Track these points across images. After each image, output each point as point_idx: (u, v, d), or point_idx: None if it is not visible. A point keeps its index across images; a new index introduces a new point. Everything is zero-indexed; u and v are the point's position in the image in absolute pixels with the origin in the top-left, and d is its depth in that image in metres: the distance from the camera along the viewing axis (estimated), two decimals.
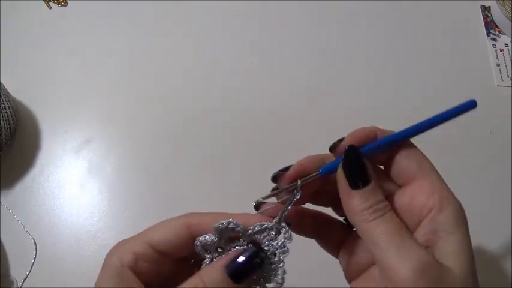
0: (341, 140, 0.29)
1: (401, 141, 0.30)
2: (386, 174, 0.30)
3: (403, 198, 0.28)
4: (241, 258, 0.26)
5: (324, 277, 0.45)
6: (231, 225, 0.26)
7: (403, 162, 0.29)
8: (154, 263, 0.27)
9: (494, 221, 0.55)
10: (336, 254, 0.32)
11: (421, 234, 0.26)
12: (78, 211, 0.51)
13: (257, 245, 0.27)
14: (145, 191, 0.53)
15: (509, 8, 0.66)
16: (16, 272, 0.48)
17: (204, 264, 0.27)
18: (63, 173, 0.53)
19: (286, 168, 0.28)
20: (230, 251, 0.27)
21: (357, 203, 0.26)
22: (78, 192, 0.52)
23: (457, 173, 0.58)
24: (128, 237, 0.29)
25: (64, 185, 0.53)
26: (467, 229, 0.28)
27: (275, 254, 0.27)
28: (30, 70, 0.58)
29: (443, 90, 0.63)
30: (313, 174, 0.28)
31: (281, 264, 0.27)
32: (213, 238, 0.27)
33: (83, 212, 0.51)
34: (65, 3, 0.63)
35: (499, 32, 0.69)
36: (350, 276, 0.30)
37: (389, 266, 0.24)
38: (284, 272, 0.27)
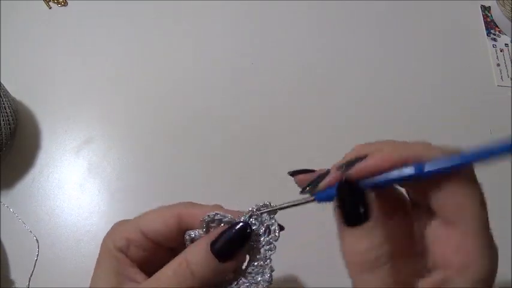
0: (325, 173, 0.25)
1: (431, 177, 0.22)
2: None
3: (431, 229, 0.24)
4: (225, 235, 0.25)
5: (324, 275, 0.45)
6: (217, 217, 0.26)
7: (440, 196, 0.23)
8: (147, 250, 0.27)
9: (494, 221, 0.55)
10: None
11: (428, 282, 0.23)
12: (78, 211, 0.51)
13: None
14: (145, 191, 0.53)
15: (509, 8, 0.66)
16: (16, 271, 0.48)
17: None
18: (63, 173, 0.53)
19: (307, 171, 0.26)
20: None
21: (347, 243, 0.22)
22: (78, 192, 0.52)
23: None
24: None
25: (64, 185, 0.53)
26: None
27: (260, 252, 0.27)
28: (30, 70, 0.58)
29: (443, 90, 0.63)
30: (307, 198, 0.25)
31: (267, 261, 0.27)
32: (201, 233, 0.27)
33: (83, 212, 0.51)
34: (65, 3, 0.63)
35: (499, 32, 0.69)
36: None
37: None
38: (271, 270, 0.27)
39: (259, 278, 0.27)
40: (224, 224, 0.27)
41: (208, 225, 0.27)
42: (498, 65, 0.66)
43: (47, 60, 0.59)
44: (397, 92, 0.63)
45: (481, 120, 0.62)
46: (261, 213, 0.27)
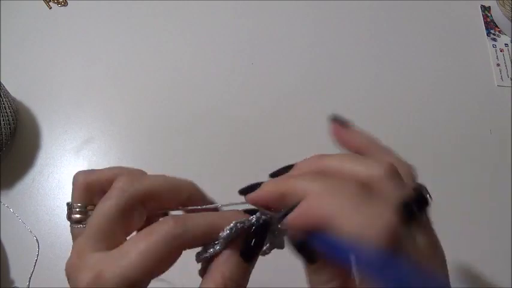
0: (257, 185, 0.27)
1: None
2: None
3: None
4: (252, 238, 0.25)
5: None
6: (239, 225, 0.25)
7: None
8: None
9: (494, 221, 0.55)
10: None
11: None
12: None
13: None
14: None
15: (509, 8, 0.66)
16: (16, 271, 0.48)
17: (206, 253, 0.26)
18: (63, 173, 0.53)
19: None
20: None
21: (307, 273, 0.26)
22: None
23: (457, 173, 0.58)
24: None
25: (64, 185, 0.53)
26: None
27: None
28: (30, 70, 0.58)
29: (443, 90, 0.63)
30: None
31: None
32: (216, 249, 0.25)
33: (66, 204, 0.51)
34: (65, 3, 0.63)
35: (499, 32, 0.69)
36: None
37: None
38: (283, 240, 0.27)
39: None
40: (246, 228, 0.26)
41: (228, 239, 0.26)
42: (498, 65, 0.66)
43: (47, 60, 0.59)
44: (397, 92, 0.63)
45: (481, 120, 0.62)
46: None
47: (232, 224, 0.25)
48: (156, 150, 0.56)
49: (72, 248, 0.25)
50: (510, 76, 0.65)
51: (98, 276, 0.23)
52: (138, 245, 0.23)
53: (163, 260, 0.23)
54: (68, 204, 0.28)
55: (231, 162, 0.56)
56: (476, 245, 0.54)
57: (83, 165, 0.54)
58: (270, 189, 0.27)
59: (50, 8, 0.62)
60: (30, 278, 0.47)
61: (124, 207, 0.25)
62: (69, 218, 0.28)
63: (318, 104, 0.61)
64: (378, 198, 0.23)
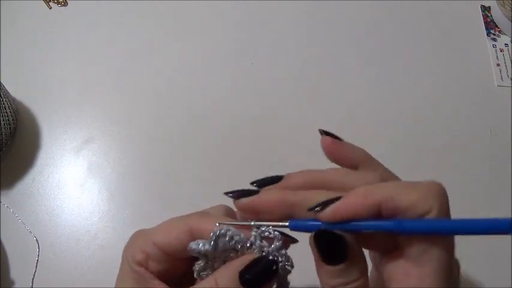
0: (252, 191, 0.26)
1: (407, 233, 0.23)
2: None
3: (392, 266, 0.24)
4: (257, 267, 0.25)
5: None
6: (229, 233, 0.25)
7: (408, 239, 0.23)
8: (163, 263, 0.27)
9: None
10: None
11: None
12: (78, 211, 0.51)
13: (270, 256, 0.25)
14: (145, 191, 0.53)
15: (509, 8, 0.66)
16: (16, 271, 0.48)
17: (197, 266, 0.27)
18: (63, 173, 0.53)
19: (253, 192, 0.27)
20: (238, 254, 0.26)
21: (324, 277, 0.24)
22: (78, 192, 0.52)
23: (457, 173, 0.58)
24: (128, 236, 0.29)
25: (64, 185, 0.53)
26: None
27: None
28: (30, 70, 0.58)
29: (443, 90, 0.63)
30: (283, 224, 0.25)
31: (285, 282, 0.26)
32: (207, 247, 0.26)
33: (83, 212, 0.51)
34: (65, 3, 0.63)
35: (499, 32, 0.69)
36: None
37: None
38: (288, 283, 0.26)
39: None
40: (236, 244, 0.26)
41: (217, 240, 0.25)
42: (498, 65, 0.66)
43: (47, 60, 0.59)
44: (396, 92, 0.63)
45: (481, 120, 0.62)
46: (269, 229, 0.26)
47: (224, 229, 0.25)
48: (156, 150, 0.56)
49: None
50: (510, 76, 0.65)
51: None
52: None
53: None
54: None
55: (231, 162, 0.56)
56: (476, 245, 0.54)
57: (83, 165, 0.54)
58: (272, 198, 0.26)
59: (50, 8, 0.62)
60: (33, 279, 0.47)
61: (135, 278, 0.27)
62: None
63: (319, 104, 0.61)
64: None
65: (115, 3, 0.64)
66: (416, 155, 0.57)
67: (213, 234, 0.25)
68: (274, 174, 0.28)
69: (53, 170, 0.53)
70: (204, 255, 0.26)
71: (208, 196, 0.53)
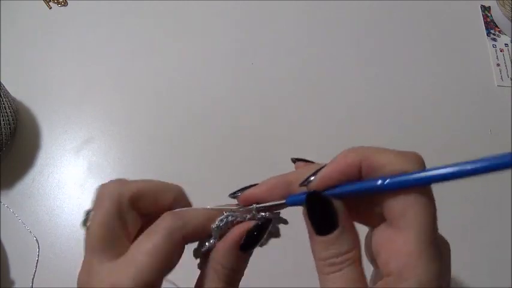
0: (253, 186, 0.27)
1: (388, 190, 0.23)
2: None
3: (377, 238, 0.24)
4: (253, 232, 0.26)
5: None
6: (230, 218, 0.26)
7: (390, 203, 0.23)
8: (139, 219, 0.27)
9: (494, 221, 0.55)
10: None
11: None
12: (78, 211, 0.51)
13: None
14: None
15: (509, 8, 0.66)
16: (16, 271, 0.48)
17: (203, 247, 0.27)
18: (63, 173, 0.53)
19: (250, 187, 0.27)
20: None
21: (317, 250, 0.24)
22: (78, 192, 0.52)
23: None
24: None
25: (64, 185, 0.53)
26: None
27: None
28: (30, 70, 0.58)
29: (443, 90, 0.63)
30: (280, 202, 0.26)
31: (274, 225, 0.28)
32: (212, 242, 0.26)
33: (83, 212, 0.51)
34: (65, 3, 0.63)
35: (499, 32, 0.69)
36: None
37: None
38: (278, 228, 0.28)
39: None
40: (235, 222, 0.27)
41: (221, 230, 0.26)
42: (498, 65, 0.66)
43: (47, 60, 0.59)
44: (396, 92, 0.63)
45: (481, 120, 0.62)
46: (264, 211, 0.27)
47: (223, 215, 0.26)
48: (156, 150, 0.56)
49: (81, 265, 0.25)
50: (510, 76, 0.65)
51: None
52: (143, 247, 0.23)
53: (169, 255, 0.24)
54: (86, 211, 0.28)
55: (231, 162, 0.56)
56: (476, 245, 0.54)
57: (83, 165, 0.54)
58: (269, 182, 0.26)
59: (50, 8, 0.62)
60: (33, 279, 0.47)
61: (116, 212, 0.25)
62: (84, 224, 0.28)
63: (318, 104, 0.61)
64: None
65: (115, 3, 0.64)
66: None
67: (215, 228, 0.26)
68: (272, 175, 0.28)
69: (53, 170, 0.53)
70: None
71: (208, 196, 0.53)
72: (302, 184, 0.25)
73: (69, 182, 0.53)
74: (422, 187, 0.23)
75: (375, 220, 0.25)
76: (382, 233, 0.24)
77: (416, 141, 0.59)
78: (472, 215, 0.55)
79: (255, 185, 0.27)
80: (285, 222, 0.28)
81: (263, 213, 0.27)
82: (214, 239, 0.26)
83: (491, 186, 0.58)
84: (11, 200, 0.51)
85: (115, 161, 0.54)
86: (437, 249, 0.22)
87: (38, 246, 0.49)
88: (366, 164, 0.23)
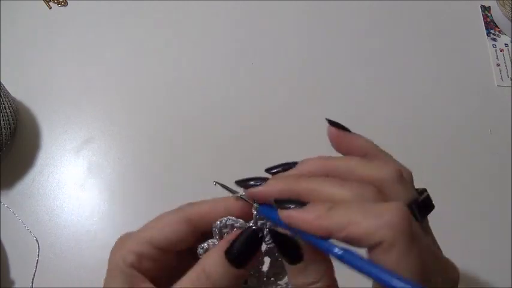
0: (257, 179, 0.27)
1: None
2: None
3: None
4: (238, 242, 0.25)
5: None
6: (229, 222, 0.26)
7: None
8: (158, 260, 0.27)
9: (494, 221, 0.55)
10: None
11: None
12: (78, 211, 0.51)
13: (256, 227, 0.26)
14: (145, 190, 0.53)
15: (509, 8, 0.66)
16: (16, 271, 0.48)
17: (200, 249, 0.27)
18: (63, 173, 0.53)
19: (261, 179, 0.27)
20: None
21: (289, 275, 0.25)
22: (78, 192, 0.52)
23: (457, 173, 0.58)
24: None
25: (64, 185, 0.53)
26: None
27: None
28: (30, 70, 0.58)
29: (443, 90, 0.63)
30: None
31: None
32: (214, 241, 0.26)
33: (83, 212, 0.51)
34: (65, 3, 0.63)
35: (499, 32, 0.69)
36: None
37: None
38: None
39: (279, 281, 0.27)
40: (237, 229, 0.26)
41: (221, 232, 0.26)
42: (498, 65, 0.66)
43: (47, 60, 0.59)
44: (396, 92, 0.63)
45: (481, 120, 0.62)
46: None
47: (224, 219, 0.26)
48: (156, 150, 0.56)
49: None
50: (510, 76, 0.65)
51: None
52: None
53: (176, 230, 0.26)
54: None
55: (231, 162, 0.56)
56: (476, 245, 0.54)
57: (83, 165, 0.54)
58: (279, 187, 0.26)
59: (50, 8, 0.62)
60: (33, 279, 0.47)
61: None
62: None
63: (319, 104, 0.61)
64: (391, 200, 0.23)
65: (115, 3, 0.64)
66: (416, 155, 0.57)
67: (215, 227, 0.26)
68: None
69: (53, 170, 0.53)
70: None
71: (208, 196, 0.53)
72: (278, 205, 0.24)
73: (69, 182, 0.53)
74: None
75: None
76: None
77: (416, 141, 0.59)
78: (472, 215, 0.55)
79: (264, 179, 0.27)
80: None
81: (261, 221, 0.26)
82: (215, 239, 0.26)
83: (491, 186, 0.58)
84: (11, 200, 0.51)
85: (115, 161, 0.54)
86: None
87: (38, 246, 0.49)
88: (337, 237, 0.22)
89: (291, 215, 0.23)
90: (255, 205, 0.26)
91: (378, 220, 0.21)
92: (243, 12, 0.66)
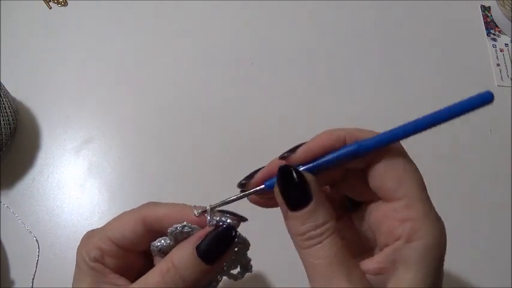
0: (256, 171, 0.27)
1: (366, 153, 0.24)
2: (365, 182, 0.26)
3: (376, 213, 0.25)
4: (213, 236, 0.25)
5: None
6: (186, 229, 0.26)
7: (380, 175, 0.24)
8: (120, 257, 0.27)
9: (494, 221, 0.55)
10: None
11: (377, 260, 0.24)
12: (78, 211, 0.51)
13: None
14: (145, 191, 0.53)
15: (509, 8, 0.66)
16: (16, 271, 0.48)
17: (156, 245, 0.28)
18: (63, 173, 0.53)
19: (253, 173, 0.28)
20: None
21: (294, 227, 0.24)
22: (78, 192, 0.52)
23: (457, 173, 0.58)
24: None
25: (64, 185, 0.53)
26: (436, 268, 0.23)
27: (236, 247, 0.28)
28: (30, 70, 0.58)
29: (443, 90, 0.63)
30: (259, 188, 0.27)
31: (242, 257, 0.28)
32: (168, 242, 0.27)
33: (83, 212, 0.51)
34: (65, 3, 0.63)
35: (499, 32, 0.69)
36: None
37: None
38: (249, 260, 0.28)
39: (235, 272, 0.28)
40: (191, 233, 0.27)
41: (176, 237, 0.27)
42: (498, 65, 0.66)
43: (47, 60, 0.59)
44: (396, 92, 0.63)
45: (481, 120, 0.62)
46: (219, 212, 0.27)
47: (180, 225, 0.26)
48: (156, 150, 0.56)
49: None
50: (510, 76, 0.65)
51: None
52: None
53: (130, 227, 0.27)
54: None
55: (231, 162, 0.56)
56: (476, 244, 0.54)
57: (83, 165, 0.54)
58: (272, 164, 0.27)
59: (50, 8, 0.62)
60: (33, 279, 0.47)
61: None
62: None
63: (319, 104, 0.61)
64: None
65: (115, 3, 0.64)
66: (416, 155, 0.57)
67: (170, 232, 0.26)
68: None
69: (53, 170, 0.53)
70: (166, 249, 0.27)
71: (208, 195, 0.53)
72: (282, 157, 0.26)
73: (69, 182, 0.53)
74: (398, 146, 0.26)
75: (368, 196, 0.26)
76: (379, 207, 0.25)
77: (416, 141, 0.59)
78: (472, 215, 0.55)
79: (259, 169, 0.27)
80: (247, 243, 0.28)
81: (223, 218, 0.26)
82: (169, 240, 0.27)
83: (491, 186, 0.58)
84: (11, 200, 0.51)
85: (115, 161, 0.54)
86: (434, 210, 0.24)
87: (38, 246, 0.49)
88: (351, 139, 0.24)
89: (307, 145, 0.25)
90: (208, 208, 0.27)
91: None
92: (244, 12, 0.66)
